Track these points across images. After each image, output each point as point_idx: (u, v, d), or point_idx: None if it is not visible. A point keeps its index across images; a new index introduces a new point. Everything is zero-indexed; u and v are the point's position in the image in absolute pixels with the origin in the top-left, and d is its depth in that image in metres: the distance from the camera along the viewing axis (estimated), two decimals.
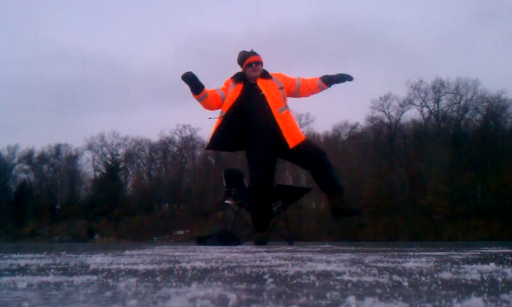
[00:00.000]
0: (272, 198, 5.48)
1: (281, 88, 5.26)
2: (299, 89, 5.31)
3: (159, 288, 0.82)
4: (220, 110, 5.28)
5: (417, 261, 1.62)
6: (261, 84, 5.23)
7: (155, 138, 46.52)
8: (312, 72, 52.23)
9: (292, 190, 6.96)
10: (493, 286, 0.84)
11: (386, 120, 39.00)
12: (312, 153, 5.10)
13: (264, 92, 5.17)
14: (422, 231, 29.67)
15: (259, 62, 5.31)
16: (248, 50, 5.39)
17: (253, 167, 5.21)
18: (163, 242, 30.29)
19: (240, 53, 5.36)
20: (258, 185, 5.15)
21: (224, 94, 5.26)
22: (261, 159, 5.15)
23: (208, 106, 5.24)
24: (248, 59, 5.28)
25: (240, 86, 5.25)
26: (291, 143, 5.02)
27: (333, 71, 5.26)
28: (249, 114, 5.17)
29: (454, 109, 38.08)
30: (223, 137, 5.28)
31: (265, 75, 5.32)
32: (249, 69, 5.25)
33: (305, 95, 5.39)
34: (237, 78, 5.32)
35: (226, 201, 7.15)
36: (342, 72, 5.21)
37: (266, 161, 5.15)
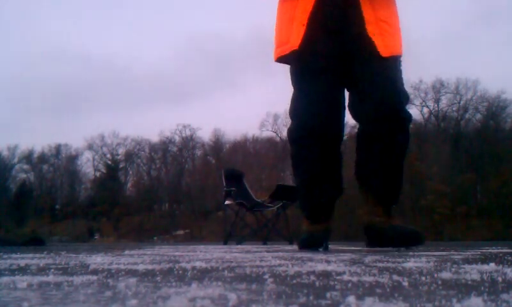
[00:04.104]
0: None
1: None
2: None
3: (159, 288, 0.82)
4: None
5: (417, 261, 1.62)
6: None
7: (155, 138, 46.60)
8: None
9: (292, 190, 6.97)
10: (493, 286, 0.84)
11: None
12: (390, 98, 2.86)
13: None
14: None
15: None
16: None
17: (300, 93, 3.02)
18: (163, 242, 30.29)
19: None
20: (308, 130, 2.96)
21: None
22: (321, 76, 2.93)
23: None
24: None
25: None
26: (384, 49, 2.84)
27: None
28: None
29: (454, 109, 38.16)
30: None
31: None
32: None
33: None
34: None
35: (226, 202, 7.16)
36: None
37: (328, 85, 2.94)
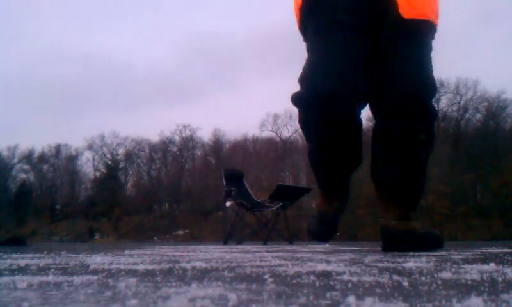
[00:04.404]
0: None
1: None
2: None
3: (159, 288, 0.82)
4: None
5: (417, 261, 1.62)
6: None
7: (155, 138, 46.62)
8: None
9: (292, 190, 6.98)
10: (493, 286, 0.84)
11: None
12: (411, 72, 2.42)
13: None
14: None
15: None
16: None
17: (313, 53, 2.50)
18: (163, 242, 30.29)
19: None
20: (319, 91, 2.41)
21: None
22: (338, 30, 2.40)
23: None
24: None
25: None
26: (405, 10, 2.36)
27: None
28: None
29: (454, 109, 38.16)
30: None
31: None
32: None
33: None
34: None
35: (226, 202, 7.16)
36: None
37: (347, 39, 2.39)
